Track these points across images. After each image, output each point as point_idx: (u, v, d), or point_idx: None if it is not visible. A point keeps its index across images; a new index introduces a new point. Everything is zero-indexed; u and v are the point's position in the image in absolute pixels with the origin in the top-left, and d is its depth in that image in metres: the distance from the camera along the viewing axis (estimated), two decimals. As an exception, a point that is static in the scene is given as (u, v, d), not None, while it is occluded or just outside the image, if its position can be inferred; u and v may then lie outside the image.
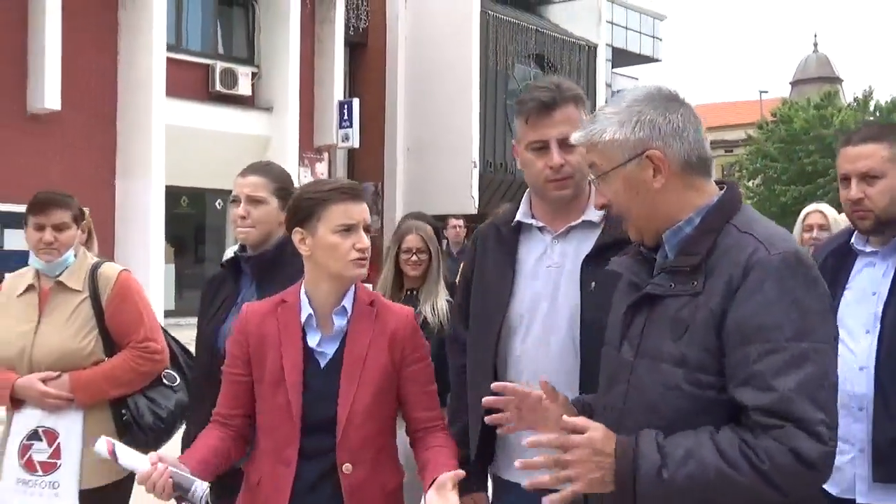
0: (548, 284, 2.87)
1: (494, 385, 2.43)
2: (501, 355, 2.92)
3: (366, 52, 20.31)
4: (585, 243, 2.84)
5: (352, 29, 19.46)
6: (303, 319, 2.82)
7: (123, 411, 3.74)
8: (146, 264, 15.45)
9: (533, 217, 2.95)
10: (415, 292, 5.14)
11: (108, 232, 15.58)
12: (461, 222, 10.54)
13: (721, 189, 2.26)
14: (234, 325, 2.95)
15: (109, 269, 3.85)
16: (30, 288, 3.83)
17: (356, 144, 19.33)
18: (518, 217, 2.97)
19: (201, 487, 2.58)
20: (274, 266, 3.36)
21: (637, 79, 29.91)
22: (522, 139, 2.89)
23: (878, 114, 39.16)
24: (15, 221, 13.55)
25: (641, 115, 2.19)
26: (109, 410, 3.75)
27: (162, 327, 3.96)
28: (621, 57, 28.63)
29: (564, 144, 2.75)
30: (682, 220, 2.20)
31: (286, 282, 3.02)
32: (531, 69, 23.60)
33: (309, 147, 18.57)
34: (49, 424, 3.67)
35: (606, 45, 26.38)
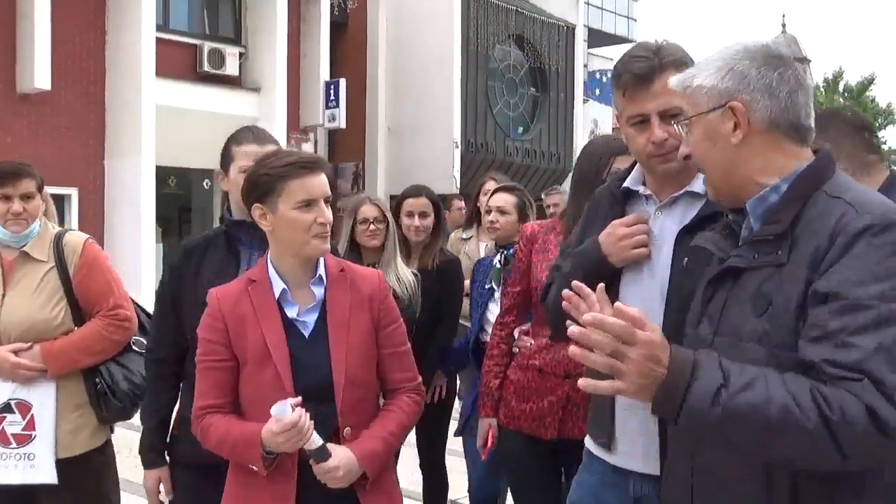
0: (647, 260, 2.66)
1: (574, 283, 2.10)
2: None
3: (346, 33, 19.94)
4: (687, 216, 2.62)
5: (336, 9, 19.14)
6: (277, 295, 2.73)
7: (97, 380, 3.63)
8: (137, 243, 15.24)
9: (643, 184, 2.73)
10: (374, 266, 4.74)
11: (97, 211, 15.36)
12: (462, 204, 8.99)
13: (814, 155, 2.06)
14: (205, 313, 2.79)
15: (75, 238, 3.73)
16: None
17: (343, 125, 19.04)
18: (627, 183, 2.75)
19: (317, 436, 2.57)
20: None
21: (612, 59, 29.63)
22: (622, 113, 2.65)
23: (846, 94, 39.28)
24: None
25: (735, 66, 2.04)
26: (83, 380, 3.63)
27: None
28: (596, 37, 28.31)
29: (666, 116, 2.52)
30: (767, 185, 2.02)
31: None
32: (511, 49, 23.29)
33: (295, 127, 18.30)
34: (21, 396, 3.55)
35: (584, 25, 26.11)
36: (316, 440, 2.56)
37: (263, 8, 17.69)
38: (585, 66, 26.99)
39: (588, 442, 2.85)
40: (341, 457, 2.60)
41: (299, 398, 2.56)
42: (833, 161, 2.05)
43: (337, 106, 18.74)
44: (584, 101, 25.76)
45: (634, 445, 2.62)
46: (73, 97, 15.08)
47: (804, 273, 1.84)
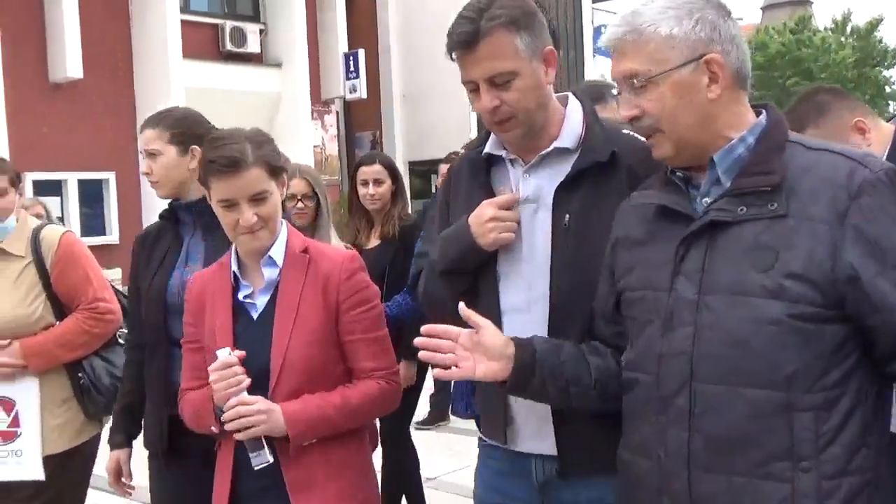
0: (522, 222, 2.28)
1: (423, 328, 2.05)
2: (500, 306, 2.32)
3: (355, 2, 19.39)
4: (559, 173, 2.24)
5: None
6: (231, 277, 2.54)
7: (80, 374, 3.41)
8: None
9: (504, 148, 2.34)
10: None
11: (134, 193, 15.18)
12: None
13: (759, 112, 1.90)
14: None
15: (51, 233, 3.49)
16: None
17: (364, 95, 18.63)
18: (487, 149, 2.36)
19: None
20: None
21: (615, 13, 28.87)
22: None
23: (854, 35, 38.34)
24: (44, 189, 13.34)
25: (703, 13, 1.81)
26: (66, 374, 3.42)
27: (112, 285, 3.60)
28: (600, -10, 27.45)
29: (495, 83, 2.16)
30: (732, 138, 1.84)
31: None
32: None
33: (317, 100, 17.95)
34: (4, 393, 3.35)
35: (590, -20, 25.41)
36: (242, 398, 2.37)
37: (280, -17, 17.28)
38: (591, 22, 26.32)
39: (482, 431, 2.49)
40: (266, 401, 2.37)
41: (243, 352, 2.39)
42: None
43: (357, 77, 18.33)
44: (593, 57, 25.13)
45: (528, 425, 2.28)
46: (103, 84, 14.84)
47: (824, 229, 1.69)
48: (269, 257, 2.49)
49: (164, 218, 3.09)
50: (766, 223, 1.73)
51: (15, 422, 3.32)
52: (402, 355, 4.64)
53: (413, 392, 4.85)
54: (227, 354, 2.37)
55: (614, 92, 1.98)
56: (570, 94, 2.37)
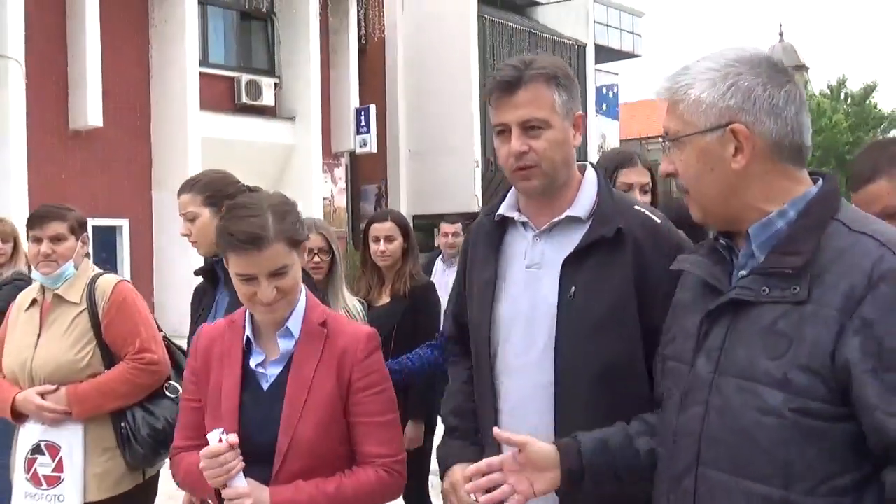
0: (527, 288, 2.28)
1: (468, 472, 2.02)
2: (494, 368, 2.33)
3: (366, 58, 19.62)
4: (568, 242, 2.24)
5: (364, 38, 18.87)
6: (244, 341, 2.37)
7: (122, 424, 3.34)
8: (186, 272, 14.87)
9: (518, 210, 2.36)
10: (322, 295, 4.13)
11: (146, 241, 15.17)
12: (458, 227, 7.41)
13: (816, 180, 1.73)
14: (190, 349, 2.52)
15: (106, 281, 3.47)
16: (34, 302, 3.49)
17: (374, 149, 18.76)
18: (501, 210, 2.38)
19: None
20: None
21: (618, 74, 29.12)
22: (492, 123, 2.32)
23: (849, 101, 38.70)
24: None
25: (739, 80, 1.67)
26: (110, 423, 3.35)
27: (166, 337, 3.56)
28: (602, 53, 27.74)
29: (528, 128, 2.20)
30: (770, 211, 1.68)
31: None
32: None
33: (328, 153, 18.03)
34: (51, 438, 3.31)
35: (593, 43, 25.69)
36: (240, 483, 2.22)
37: (295, 39, 17.52)
38: (594, 82, 26.57)
39: None
40: (255, 488, 2.22)
41: (235, 437, 2.22)
42: (838, 186, 1.73)
43: (368, 131, 18.47)
44: (595, 116, 25.32)
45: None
46: (121, 132, 14.94)
47: (834, 316, 1.53)
48: (287, 328, 2.34)
49: (199, 274, 3.14)
50: (787, 308, 1.59)
51: (59, 467, 3.28)
52: (410, 415, 4.57)
53: (423, 452, 4.72)
54: (217, 440, 2.20)
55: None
56: (589, 165, 2.40)
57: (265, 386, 2.33)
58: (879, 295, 1.50)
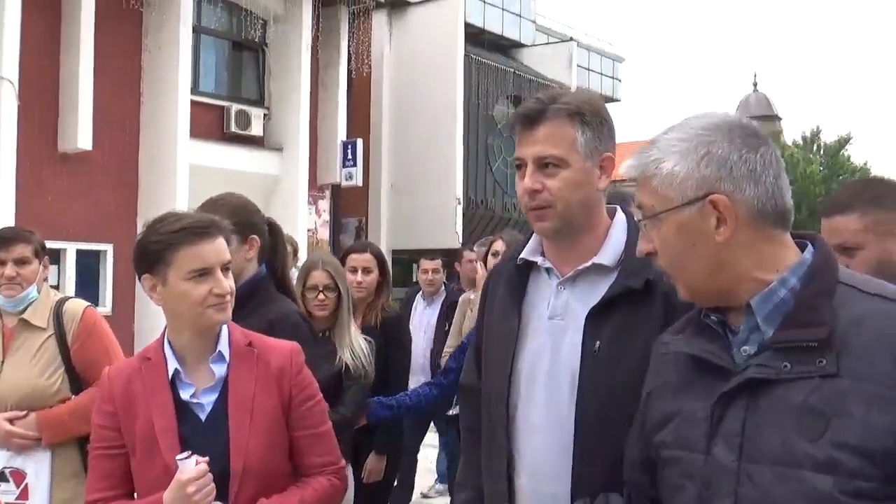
0: (550, 339, 2.14)
1: None
2: (510, 422, 2.18)
3: (351, 93, 19.46)
4: (594, 292, 2.10)
5: (354, 73, 18.87)
6: (170, 374, 2.27)
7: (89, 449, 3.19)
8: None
9: (542, 254, 2.22)
10: (327, 333, 4.17)
11: (129, 268, 14.93)
12: (437, 264, 7.35)
13: (803, 243, 1.65)
14: (98, 395, 2.38)
15: (74, 306, 3.45)
16: None
17: (359, 182, 18.65)
18: (524, 254, 2.24)
19: None
20: (246, 303, 2.72)
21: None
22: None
23: (822, 152, 39.08)
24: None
25: (713, 147, 1.58)
26: (77, 448, 3.27)
27: None
28: (584, 97, 28.01)
29: (545, 165, 2.08)
30: (769, 280, 1.58)
31: (260, 319, 2.58)
32: (509, 109, 22.94)
33: (313, 185, 17.92)
34: (16, 465, 3.24)
35: (576, 87, 25.88)
36: None
37: (286, 71, 17.44)
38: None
39: None
40: None
41: (206, 458, 2.13)
42: (830, 248, 1.66)
43: (354, 165, 18.36)
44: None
45: None
46: (109, 157, 14.78)
47: (881, 391, 1.42)
48: (219, 352, 2.28)
49: None
50: (815, 383, 1.48)
51: (24, 494, 3.20)
52: (375, 448, 4.53)
53: (385, 484, 4.72)
54: (194, 463, 2.11)
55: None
56: (619, 208, 2.26)
57: (203, 416, 2.25)
58: None
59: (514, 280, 2.24)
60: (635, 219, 1.74)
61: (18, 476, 3.22)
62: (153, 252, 2.25)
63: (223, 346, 2.29)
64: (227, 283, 2.24)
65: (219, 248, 2.25)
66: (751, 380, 1.53)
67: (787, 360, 1.51)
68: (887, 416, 1.41)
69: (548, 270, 2.21)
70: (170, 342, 2.30)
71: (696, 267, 1.61)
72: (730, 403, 1.56)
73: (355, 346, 4.13)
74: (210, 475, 2.12)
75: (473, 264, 7.73)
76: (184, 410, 2.24)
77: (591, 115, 2.12)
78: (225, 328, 2.32)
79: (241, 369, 2.27)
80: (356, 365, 4.05)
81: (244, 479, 2.19)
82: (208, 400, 2.26)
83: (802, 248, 1.65)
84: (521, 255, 2.24)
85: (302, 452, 2.33)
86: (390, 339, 4.60)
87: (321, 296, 4.16)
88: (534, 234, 2.26)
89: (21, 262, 3.35)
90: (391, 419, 4.20)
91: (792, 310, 1.55)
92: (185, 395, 2.25)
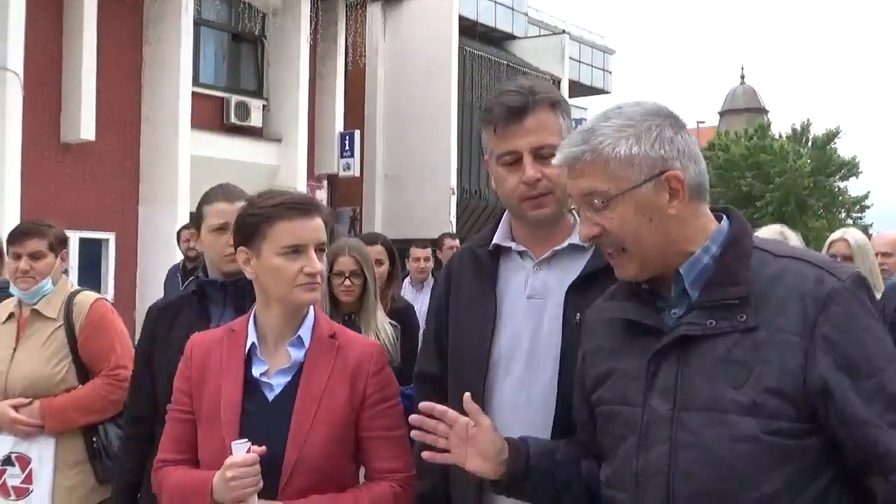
0: (530, 318, 2.17)
1: (422, 405, 1.92)
2: (485, 403, 2.15)
3: (347, 84, 19.39)
4: (572, 271, 2.14)
5: (350, 64, 18.89)
6: (247, 348, 2.22)
7: (94, 438, 3.38)
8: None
9: (513, 240, 2.25)
10: (353, 317, 4.19)
11: (132, 255, 15.04)
12: (428, 252, 7.58)
13: (718, 215, 1.82)
14: (181, 359, 2.33)
15: (84, 297, 3.52)
16: (10, 316, 3.49)
17: (357, 173, 18.70)
18: (496, 240, 2.26)
19: None
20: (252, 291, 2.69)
21: (587, 109, 29.35)
22: (492, 152, 2.21)
23: (811, 145, 39.03)
24: None
25: (661, 131, 1.72)
26: (82, 437, 3.36)
27: None
28: (575, 88, 27.84)
29: (539, 155, 2.11)
30: (693, 250, 1.74)
31: None
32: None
33: (311, 176, 17.97)
34: (21, 450, 3.31)
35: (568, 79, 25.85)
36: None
37: (284, 64, 17.46)
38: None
39: None
40: None
41: (263, 448, 2.04)
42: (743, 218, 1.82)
43: (352, 155, 18.41)
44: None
45: None
46: (111, 147, 14.82)
47: (796, 340, 1.58)
48: (298, 336, 2.21)
49: (187, 294, 2.98)
50: (737, 336, 1.62)
51: (28, 479, 3.25)
52: None
53: None
54: (245, 450, 2.03)
55: None
56: None
57: (270, 397, 2.18)
58: (832, 314, 1.58)
59: (488, 266, 2.26)
60: (580, 206, 1.79)
61: (23, 461, 3.28)
62: (250, 225, 2.20)
63: (305, 331, 2.23)
64: (320, 264, 2.18)
65: (316, 227, 2.19)
66: (682, 336, 1.68)
67: (711, 318, 1.65)
68: (797, 358, 1.57)
69: (521, 254, 2.23)
70: (255, 318, 2.25)
71: (650, 241, 1.72)
72: (663, 359, 1.70)
73: (381, 330, 4.16)
74: (258, 466, 2.03)
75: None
76: (253, 388, 2.18)
77: (563, 102, 2.20)
78: (311, 314, 2.26)
79: (319, 358, 2.20)
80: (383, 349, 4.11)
81: (296, 471, 2.10)
82: (279, 382, 2.19)
83: (719, 221, 1.80)
84: (494, 241, 2.26)
85: (370, 455, 2.22)
86: (402, 328, 4.62)
87: (347, 281, 4.19)
88: (502, 221, 2.29)
89: (35, 256, 3.41)
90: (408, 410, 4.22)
91: (714, 274, 1.70)
92: (256, 371, 2.19)
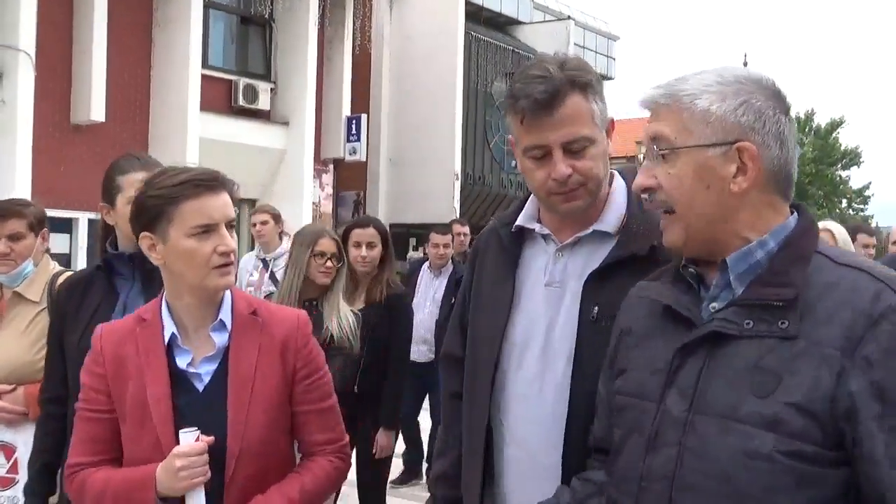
0: (547, 308, 2.03)
1: None
2: (498, 391, 2.08)
3: (355, 69, 19.25)
4: (594, 259, 1.99)
5: (358, 49, 18.75)
6: (166, 339, 2.06)
7: None
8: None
9: (538, 221, 2.11)
10: (314, 303, 4.16)
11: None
12: (448, 239, 7.29)
13: (791, 212, 1.60)
14: (89, 353, 2.15)
15: None
16: None
17: (363, 157, 18.59)
18: (520, 221, 2.12)
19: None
20: None
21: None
22: (518, 142, 2.01)
23: (814, 134, 38.82)
24: (54, 226, 12.89)
25: (752, 98, 1.53)
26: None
27: None
28: (578, 74, 27.77)
29: (570, 150, 1.94)
30: (751, 240, 1.54)
31: None
32: (507, 86, 22.77)
33: (317, 159, 17.88)
34: (6, 439, 3.16)
35: (572, 64, 25.65)
36: (199, 499, 1.96)
37: (291, 46, 17.34)
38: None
39: None
40: None
41: (211, 438, 1.96)
42: (815, 219, 1.63)
43: (358, 140, 18.30)
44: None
45: None
46: (120, 128, 14.75)
47: (835, 355, 1.38)
48: (220, 320, 2.07)
49: (94, 269, 2.77)
50: (773, 343, 1.44)
51: (14, 468, 3.11)
52: (382, 423, 4.53)
53: (388, 459, 4.71)
54: (194, 439, 1.94)
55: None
56: (616, 173, 2.12)
57: (200, 387, 2.05)
58: (881, 333, 1.37)
59: (509, 246, 2.13)
60: (647, 152, 1.63)
61: (8, 451, 3.13)
62: (153, 207, 2.02)
63: (225, 313, 2.08)
64: (233, 242, 2.02)
65: (224, 203, 2.04)
66: (713, 333, 1.50)
67: (749, 318, 1.48)
68: (831, 374, 1.38)
69: (545, 237, 2.10)
70: (168, 305, 2.09)
71: (701, 210, 1.55)
72: (689, 355, 1.53)
73: (342, 315, 4.12)
74: (205, 456, 1.95)
75: (461, 238, 7.68)
76: (180, 380, 2.04)
77: (596, 82, 1.99)
78: (228, 295, 2.11)
79: (244, 339, 2.07)
80: (341, 336, 4.04)
81: (241, 459, 2.01)
82: (207, 370, 2.06)
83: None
84: (517, 222, 2.13)
85: (304, 429, 2.15)
86: (395, 313, 4.61)
87: (328, 263, 4.18)
88: (528, 201, 2.16)
89: (14, 237, 3.23)
90: None
91: (764, 271, 1.51)
92: (181, 363, 2.05)
